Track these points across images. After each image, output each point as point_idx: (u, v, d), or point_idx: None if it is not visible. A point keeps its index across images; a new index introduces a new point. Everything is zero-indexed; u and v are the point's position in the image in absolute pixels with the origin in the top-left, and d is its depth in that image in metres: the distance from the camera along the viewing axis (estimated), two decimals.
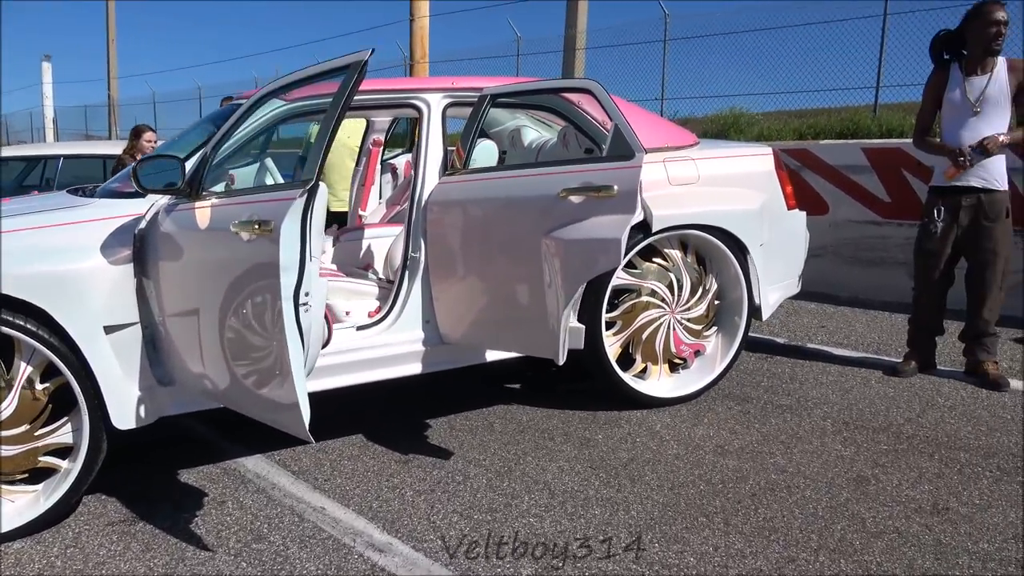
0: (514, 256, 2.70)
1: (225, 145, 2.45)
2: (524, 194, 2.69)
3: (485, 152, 3.17)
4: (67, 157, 6.38)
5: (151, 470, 2.93)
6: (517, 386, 3.80)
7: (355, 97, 3.00)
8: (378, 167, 4.22)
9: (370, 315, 3.07)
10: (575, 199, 2.54)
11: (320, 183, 2.03)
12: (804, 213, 3.78)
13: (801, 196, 5.42)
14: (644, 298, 3.31)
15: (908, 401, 3.41)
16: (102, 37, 19.68)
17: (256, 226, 2.02)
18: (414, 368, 3.01)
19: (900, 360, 3.81)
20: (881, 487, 2.61)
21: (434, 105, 3.08)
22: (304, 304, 1.99)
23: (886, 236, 5.02)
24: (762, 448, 2.95)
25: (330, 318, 2.49)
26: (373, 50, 1.98)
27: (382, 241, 3.62)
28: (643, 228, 3.17)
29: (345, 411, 3.45)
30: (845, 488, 2.61)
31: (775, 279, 3.61)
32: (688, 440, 3.05)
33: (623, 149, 2.52)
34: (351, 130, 4.77)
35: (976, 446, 2.92)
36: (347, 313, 3.17)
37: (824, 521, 2.40)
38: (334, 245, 3.67)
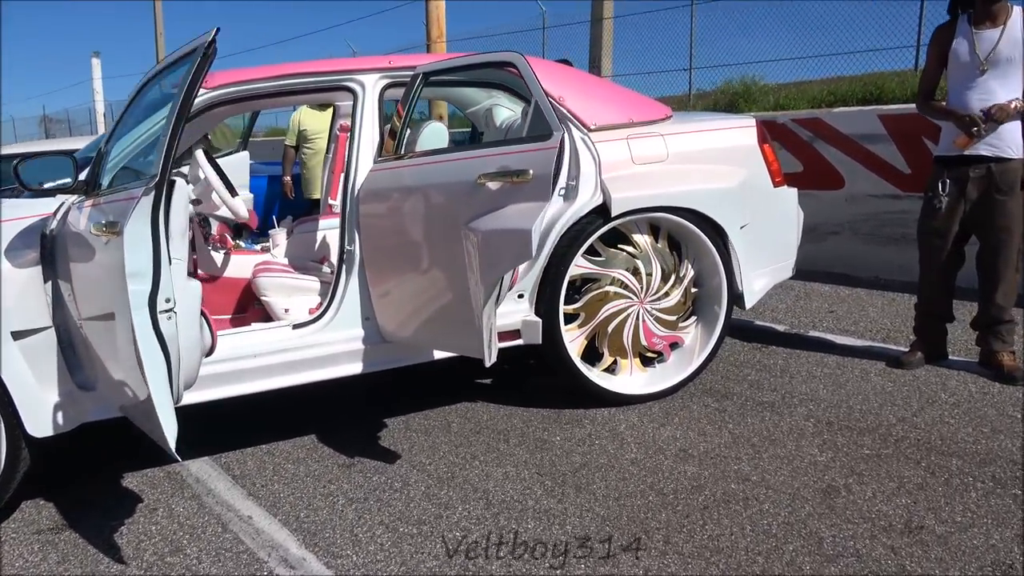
0: (439, 248, 2.49)
1: (124, 140, 2.30)
2: (446, 180, 2.47)
3: (434, 135, 2.95)
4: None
5: (97, 473, 2.87)
6: (488, 381, 3.61)
7: (286, 81, 2.87)
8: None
9: (310, 312, 2.91)
10: (493, 185, 2.31)
11: (177, 180, 1.86)
12: (795, 190, 3.44)
13: (814, 169, 5.04)
14: (608, 288, 3.06)
15: (906, 397, 3.06)
16: (151, 32, 20.17)
17: (104, 227, 1.88)
18: (354, 368, 2.85)
19: (906, 350, 3.45)
20: (851, 500, 2.32)
21: (369, 86, 2.88)
22: (166, 312, 1.84)
23: (906, 211, 4.58)
24: (729, 452, 2.69)
25: (212, 325, 2.35)
26: (218, 29, 1.79)
27: (338, 232, 3.44)
28: (603, 212, 2.92)
29: (306, 407, 3.32)
30: (810, 501, 2.33)
31: (761, 264, 3.30)
32: (651, 443, 2.81)
33: (541, 128, 2.27)
34: None
35: (973, 451, 2.58)
36: (286, 310, 3.03)
37: (776, 540, 2.14)
38: (288, 238, 3.52)
